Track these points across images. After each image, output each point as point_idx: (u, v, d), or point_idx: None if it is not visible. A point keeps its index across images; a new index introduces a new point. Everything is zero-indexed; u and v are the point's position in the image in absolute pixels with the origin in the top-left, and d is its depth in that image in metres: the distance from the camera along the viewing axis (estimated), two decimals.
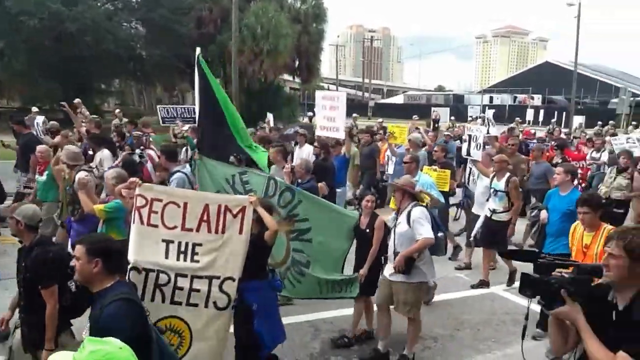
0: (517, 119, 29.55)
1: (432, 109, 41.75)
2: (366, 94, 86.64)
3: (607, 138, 17.14)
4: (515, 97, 75.17)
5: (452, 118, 33.41)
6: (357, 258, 6.85)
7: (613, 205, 10.05)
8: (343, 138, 11.40)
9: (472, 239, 9.62)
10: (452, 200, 11.67)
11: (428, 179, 8.67)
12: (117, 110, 21.97)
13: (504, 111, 57.88)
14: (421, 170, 9.65)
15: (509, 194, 8.89)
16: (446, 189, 9.95)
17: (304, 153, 12.02)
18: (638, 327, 2.75)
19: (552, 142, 17.78)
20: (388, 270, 6.39)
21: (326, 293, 6.81)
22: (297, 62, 41.56)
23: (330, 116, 10.84)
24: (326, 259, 6.78)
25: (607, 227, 5.53)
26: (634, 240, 2.90)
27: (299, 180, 8.34)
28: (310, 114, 30.80)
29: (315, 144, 11.46)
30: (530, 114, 49.70)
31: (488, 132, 12.05)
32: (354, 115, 25.18)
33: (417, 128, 17.08)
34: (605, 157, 15.77)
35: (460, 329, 7.40)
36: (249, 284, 5.31)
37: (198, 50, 6.73)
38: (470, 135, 11.25)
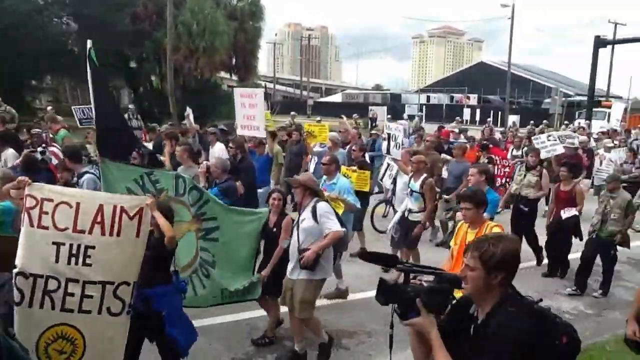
0: (457, 118, 30.13)
1: (370, 107, 42.14)
2: (304, 93, 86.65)
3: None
4: (452, 97, 76.57)
5: (389, 116, 33.82)
6: (264, 257, 6.75)
7: (523, 202, 10.20)
8: (264, 137, 11.07)
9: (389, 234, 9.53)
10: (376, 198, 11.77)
11: (346, 182, 8.39)
12: (49, 108, 21.26)
13: (441, 110, 58.95)
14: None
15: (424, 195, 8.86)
16: (366, 189, 9.79)
17: (216, 152, 11.61)
18: (493, 341, 2.62)
19: (483, 142, 17.69)
20: (290, 269, 6.23)
21: (228, 298, 6.64)
22: (234, 60, 41.25)
23: (250, 114, 10.58)
24: (232, 259, 6.62)
25: (490, 224, 5.48)
26: (489, 250, 2.77)
27: (216, 181, 8.17)
28: (187, 112, 30.76)
29: (231, 144, 11.07)
30: (467, 113, 50.79)
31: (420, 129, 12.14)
32: (292, 113, 25.08)
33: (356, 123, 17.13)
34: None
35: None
36: (156, 290, 5.18)
37: (89, 43, 6.25)
38: (389, 134, 11.25)
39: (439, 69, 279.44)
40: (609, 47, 47.15)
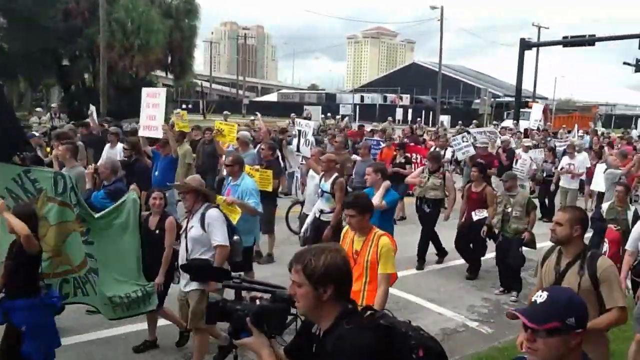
0: (389, 118, 30.88)
1: (305, 107, 42.66)
2: (240, 92, 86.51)
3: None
4: (385, 97, 77.98)
5: (323, 116, 34.43)
6: (148, 263, 6.25)
7: (428, 204, 10.14)
8: (162, 137, 10.44)
9: (300, 236, 9.06)
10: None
11: (250, 184, 7.87)
12: None
13: (374, 110, 60.04)
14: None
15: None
16: (269, 188, 9.43)
17: (116, 153, 11.06)
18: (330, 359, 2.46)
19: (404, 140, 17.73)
20: (182, 282, 5.89)
21: (126, 310, 6.13)
22: (169, 58, 40.93)
23: (152, 114, 10.16)
24: (114, 261, 6.20)
25: (377, 232, 5.05)
26: (311, 263, 2.52)
27: (104, 182, 7.65)
28: (177, 111, 30.64)
29: (124, 145, 10.48)
30: (399, 113, 51.93)
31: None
32: (225, 112, 25.15)
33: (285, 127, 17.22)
34: (449, 154, 16.42)
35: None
36: (15, 303, 4.82)
37: None
38: (299, 131, 10.99)
39: (373, 69, 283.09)
40: (535, 50, 49.25)
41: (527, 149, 15.39)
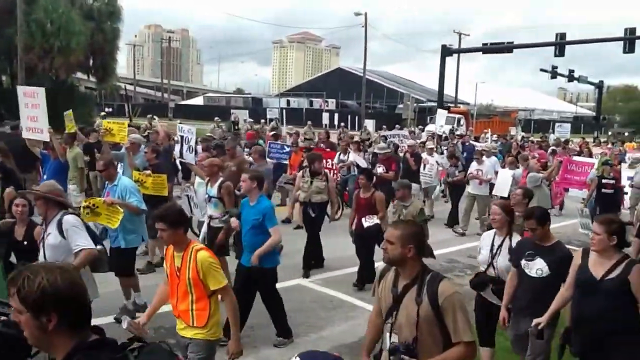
0: (309, 122, 31.03)
1: (232, 111, 42.49)
2: (165, 95, 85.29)
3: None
4: (311, 101, 78.50)
5: (251, 120, 34.42)
6: None
7: (313, 207, 9.87)
8: (48, 140, 10.11)
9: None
10: None
11: (128, 183, 7.53)
12: None
13: (300, 114, 60.33)
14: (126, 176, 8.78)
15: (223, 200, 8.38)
16: (164, 193, 9.16)
17: None
18: None
19: (320, 144, 17.76)
20: None
21: None
22: (91, 61, 40.00)
23: (33, 115, 9.86)
24: None
25: (195, 247, 4.65)
26: (25, 286, 2.08)
27: None
28: (103, 112, 30.14)
29: None
30: (326, 118, 52.33)
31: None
32: (149, 116, 24.77)
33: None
34: (351, 157, 15.46)
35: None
36: None
37: None
38: (182, 137, 10.63)
39: (299, 73, 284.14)
40: (456, 56, 50.78)
41: (431, 152, 15.33)
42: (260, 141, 17.64)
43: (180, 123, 13.23)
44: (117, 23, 40.59)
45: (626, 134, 53.53)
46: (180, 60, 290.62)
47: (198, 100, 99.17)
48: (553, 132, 38.66)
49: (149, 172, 9.31)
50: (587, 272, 4.63)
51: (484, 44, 41.95)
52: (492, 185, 13.62)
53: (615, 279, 4.48)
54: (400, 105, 55.65)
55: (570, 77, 49.05)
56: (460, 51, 49.13)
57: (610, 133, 51.13)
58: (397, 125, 32.29)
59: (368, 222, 8.95)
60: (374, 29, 75.80)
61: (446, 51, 42.25)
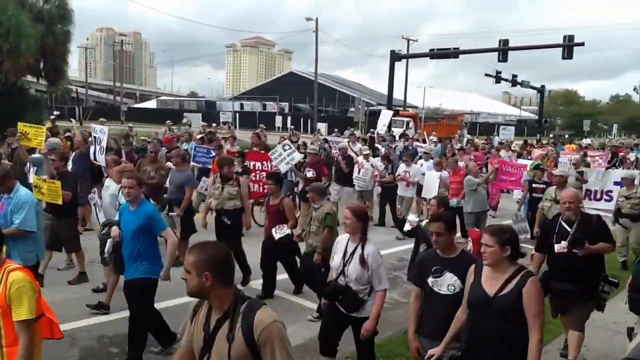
0: (262, 125, 31.57)
1: (184, 114, 42.70)
2: (118, 98, 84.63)
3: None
4: (265, 105, 79.08)
5: (205, 123, 34.77)
6: None
7: (227, 215, 9.27)
8: None
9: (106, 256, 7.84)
10: None
11: (24, 197, 6.63)
12: None
13: (254, 118, 60.85)
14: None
15: None
16: (58, 201, 8.40)
17: None
18: None
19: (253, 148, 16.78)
20: None
21: None
22: (42, 64, 39.74)
23: None
24: None
25: (8, 267, 3.87)
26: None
27: None
28: (53, 115, 30.16)
29: None
30: (279, 121, 52.97)
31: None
32: (101, 119, 24.93)
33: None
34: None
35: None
36: None
37: None
38: (95, 137, 10.29)
39: (252, 77, 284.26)
40: (416, 60, 52.08)
41: (367, 157, 14.69)
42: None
43: (94, 125, 12.50)
44: (68, 26, 40.33)
45: (567, 136, 55.78)
46: (133, 63, 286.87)
47: (151, 104, 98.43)
48: (498, 135, 40.06)
49: (45, 177, 8.72)
50: (480, 288, 4.18)
51: (431, 50, 43.05)
52: (420, 187, 13.80)
53: (509, 294, 4.05)
54: (352, 109, 56.68)
55: (514, 82, 50.62)
56: (408, 56, 50.35)
57: (551, 135, 52.97)
58: (350, 129, 33.15)
59: (278, 233, 8.32)
60: (326, 34, 76.87)
61: (395, 56, 43.29)
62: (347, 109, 67.49)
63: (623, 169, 19.87)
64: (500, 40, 38.27)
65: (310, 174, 12.54)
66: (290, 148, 12.84)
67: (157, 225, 6.19)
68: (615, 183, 13.27)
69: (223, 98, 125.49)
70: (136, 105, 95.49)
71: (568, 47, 35.76)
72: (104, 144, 10.05)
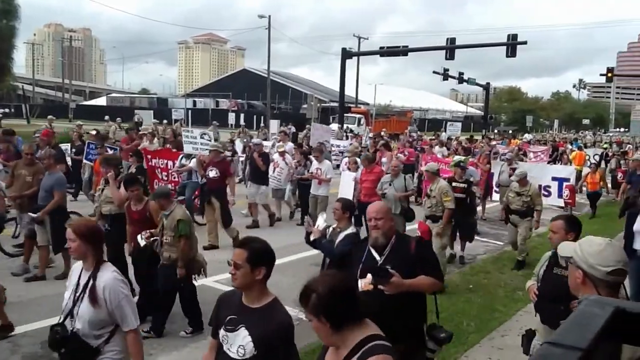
0: (215, 122, 31.68)
1: (135, 111, 42.45)
2: (67, 95, 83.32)
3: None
4: (217, 102, 79.03)
5: (156, 120, 34.67)
6: None
7: (108, 221, 8.18)
8: None
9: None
10: None
11: None
12: None
13: (207, 115, 60.79)
14: None
15: None
16: None
17: None
18: None
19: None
20: None
21: None
22: None
23: None
24: None
25: None
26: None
27: None
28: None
29: None
30: (232, 118, 53.04)
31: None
32: (49, 117, 24.80)
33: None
34: (193, 162, 12.94)
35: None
36: None
37: None
38: None
39: (204, 74, 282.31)
40: (373, 58, 52.93)
41: (282, 154, 13.91)
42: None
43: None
44: (14, 21, 39.83)
45: (510, 131, 57.52)
46: (83, 60, 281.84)
47: (101, 101, 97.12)
48: (445, 131, 41.13)
49: None
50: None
51: (381, 48, 43.90)
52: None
53: None
54: (305, 106, 57.25)
55: (460, 79, 52.09)
56: (359, 54, 51.26)
57: (496, 131, 54.52)
58: (307, 126, 33.55)
59: (144, 239, 7.20)
60: (279, 32, 77.39)
61: (346, 54, 43.97)
62: (300, 106, 68.01)
63: (561, 163, 20.61)
64: (447, 39, 39.24)
65: (213, 173, 11.35)
66: (210, 140, 12.66)
67: None
68: (553, 178, 13.67)
69: (175, 95, 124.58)
70: (85, 103, 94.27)
71: (512, 45, 36.73)
72: None
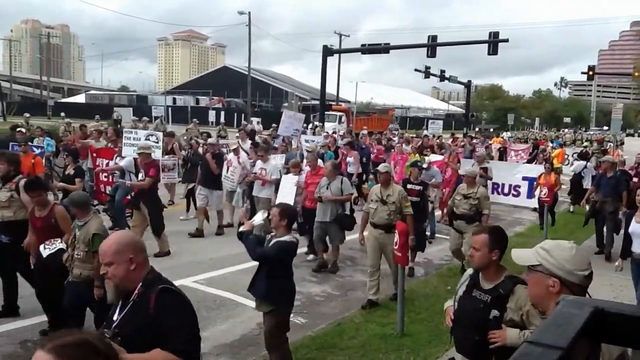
0: (195, 120, 31.43)
1: (115, 109, 42.10)
2: (45, 93, 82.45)
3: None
4: (198, 99, 78.61)
5: (135, 118, 34.38)
6: None
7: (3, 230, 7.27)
8: None
9: None
10: None
11: None
12: None
13: (186, 112, 60.52)
14: None
15: None
16: None
17: None
18: None
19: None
20: None
21: None
22: None
23: None
24: None
25: None
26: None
27: None
28: None
29: None
30: (212, 115, 52.81)
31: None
32: (26, 115, 24.51)
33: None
34: (125, 161, 12.40)
35: None
36: None
37: None
38: None
39: (184, 72, 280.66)
40: (357, 57, 52.89)
41: (237, 153, 13.02)
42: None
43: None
44: None
45: (492, 129, 57.81)
46: (61, 57, 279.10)
47: (80, 98, 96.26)
48: (427, 129, 41.24)
49: None
50: None
51: (362, 45, 43.93)
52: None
53: None
54: (285, 104, 57.13)
55: (442, 77, 52.13)
56: (340, 51, 51.17)
57: (477, 129, 54.78)
58: (274, 125, 33.39)
59: (49, 248, 6.43)
60: (260, 29, 76.94)
61: (327, 51, 43.89)
62: (281, 104, 67.90)
63: (537, 162, 19.72)
64: (429, 37, 39.28)
65: (141, 176, 10.61)
66: (158, 142, 12.04)
67: None
68: (524, 178, 13.08)
69: (155, 92, 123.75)
70: (64, 100, 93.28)
71: (493, 43, 36.64)
72: None
